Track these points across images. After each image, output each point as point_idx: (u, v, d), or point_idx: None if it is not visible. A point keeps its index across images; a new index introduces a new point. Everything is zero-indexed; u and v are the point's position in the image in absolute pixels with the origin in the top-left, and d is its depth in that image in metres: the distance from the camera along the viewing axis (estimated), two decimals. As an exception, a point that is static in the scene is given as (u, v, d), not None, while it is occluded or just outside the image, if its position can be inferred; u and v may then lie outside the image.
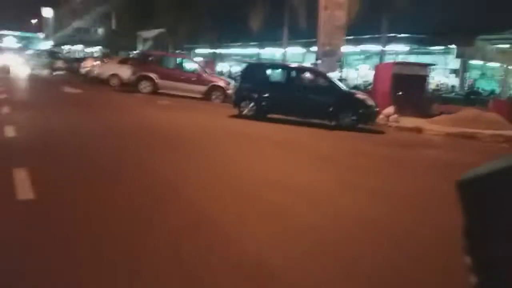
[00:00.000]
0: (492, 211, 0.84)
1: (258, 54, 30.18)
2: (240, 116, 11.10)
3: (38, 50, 40.03)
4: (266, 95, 11.06)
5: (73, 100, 13.49)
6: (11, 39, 61.46)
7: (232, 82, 17.23)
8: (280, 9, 22.43)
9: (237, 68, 29.28)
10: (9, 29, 64.23)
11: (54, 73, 27.42)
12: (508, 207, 0.81)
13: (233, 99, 11.89)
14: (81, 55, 41.55)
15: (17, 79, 21.79)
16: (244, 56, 31.97)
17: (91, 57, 30.43)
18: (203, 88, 16.57)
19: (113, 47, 39.52)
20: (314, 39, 16.21)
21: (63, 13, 59.32)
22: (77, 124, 8.58)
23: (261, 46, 28.96)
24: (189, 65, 18.39)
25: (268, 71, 12.51)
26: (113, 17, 42.66)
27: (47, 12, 64.31)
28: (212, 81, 16.78)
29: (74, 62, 29.14)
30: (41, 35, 67.51)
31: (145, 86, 16.82)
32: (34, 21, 70.00)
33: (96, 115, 10.37)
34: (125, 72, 19.49)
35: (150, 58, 17.90)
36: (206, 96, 16.51)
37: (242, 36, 27.78)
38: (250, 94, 11.21)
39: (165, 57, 18.84)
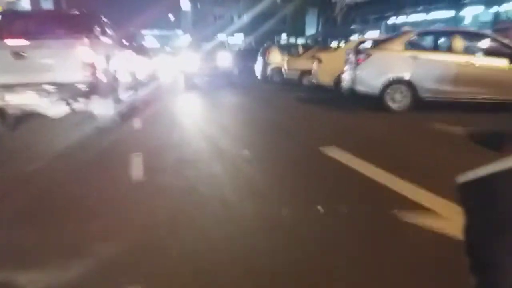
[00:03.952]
0: (492, 213, 0.80)
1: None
2: None
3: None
4: None
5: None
6: (151, 39, 57.33)
7: None
8: None
9: None
10: (149, 28, 61.04)
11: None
12: (508, 208, 0.78)
13: None
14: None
15: (172, 102, 12.14)
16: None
17: (275, 46, 19.48)
18: None
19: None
20: None
21: (202, 3, 53.49)
22: None
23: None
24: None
25: None
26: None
27: (185, 5, 59.61)
28: None
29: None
30: (179, 31, 63.50)
31: None
32: (172, 17, 66.59)
33: None
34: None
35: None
36: None
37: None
38: None
39: None
